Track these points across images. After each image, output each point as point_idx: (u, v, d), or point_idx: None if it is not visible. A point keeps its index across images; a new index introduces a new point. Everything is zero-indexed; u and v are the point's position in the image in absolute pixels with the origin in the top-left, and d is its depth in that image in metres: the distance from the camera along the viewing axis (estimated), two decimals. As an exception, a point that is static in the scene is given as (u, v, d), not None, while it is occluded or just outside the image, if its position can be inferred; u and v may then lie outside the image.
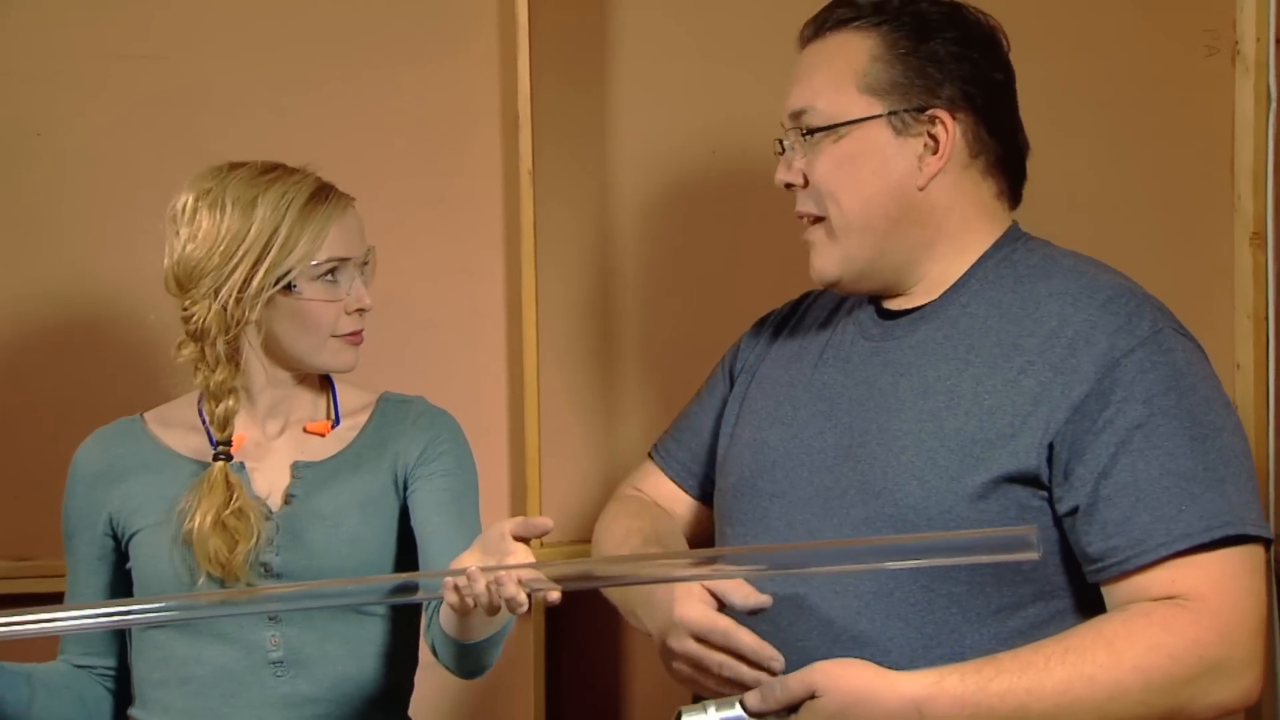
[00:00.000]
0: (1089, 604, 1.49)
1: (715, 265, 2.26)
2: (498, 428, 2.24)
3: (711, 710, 1.41)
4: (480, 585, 1.42)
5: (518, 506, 2.24)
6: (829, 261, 1.61)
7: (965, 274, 1.60)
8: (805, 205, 1.62)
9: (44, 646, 1.75)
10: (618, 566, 1.60)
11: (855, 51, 1.58)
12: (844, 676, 1.38)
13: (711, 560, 1.53)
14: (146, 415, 1.80)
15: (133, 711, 1.73)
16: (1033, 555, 1.30)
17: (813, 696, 1.38)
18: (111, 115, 2.17)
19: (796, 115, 1.60)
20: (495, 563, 1.45)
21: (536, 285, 2.18)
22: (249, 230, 1.66)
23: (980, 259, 1.60)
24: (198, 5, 2.18)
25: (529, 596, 1.43)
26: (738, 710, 1.40)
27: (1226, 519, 1.42)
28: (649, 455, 1.86)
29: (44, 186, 2.17)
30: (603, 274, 2.26)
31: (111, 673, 1.78)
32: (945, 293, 1.60)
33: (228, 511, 1.65)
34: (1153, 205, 2.30)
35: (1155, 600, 1.41)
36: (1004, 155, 1.62)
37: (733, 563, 1.52)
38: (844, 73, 1.58)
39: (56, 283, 2.18)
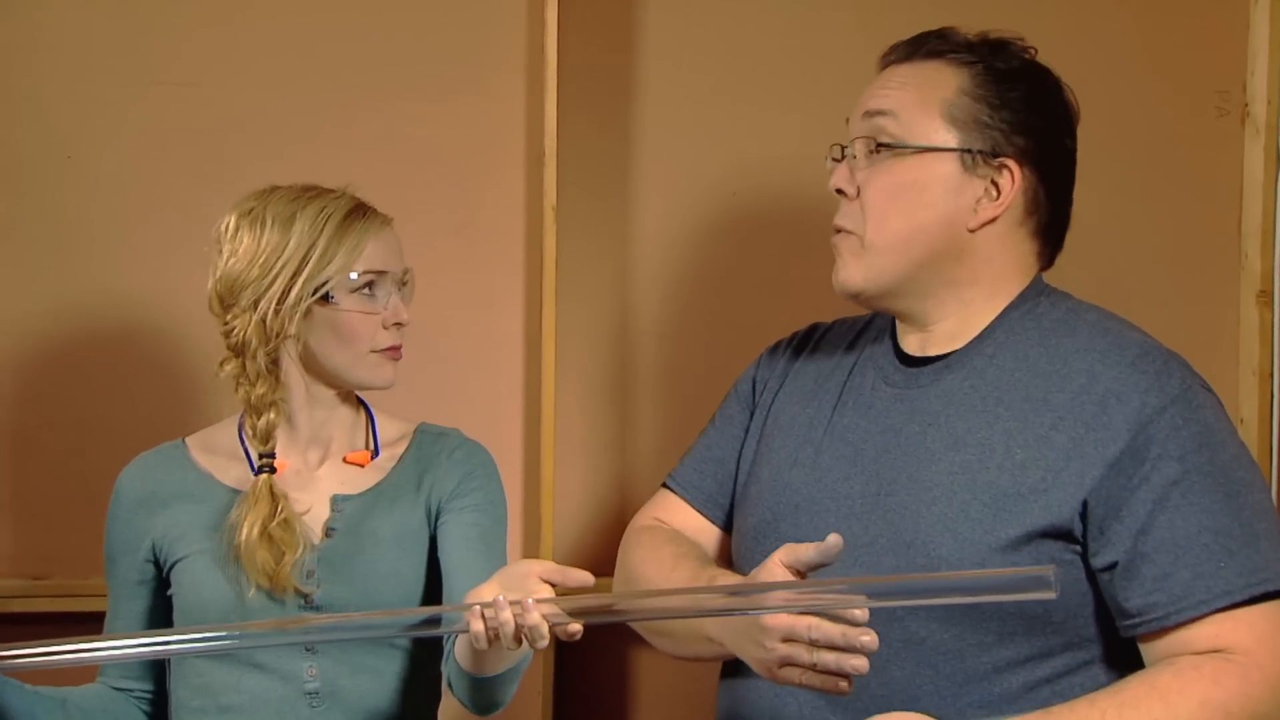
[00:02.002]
0: (1117, 655, 1.51)
1: (733, 304, 2.28)
2: (513, 460, 2.26)
3: None
4: (506, 613, 1.42)
5: (531, 538, 2.25)
6: (854, 273, 1.61)
7: (990, 325, 1.61)
8: (846, 220, 1.62)
9: (83, 670, 1.75)
10: (640, 601, 1.60)
11: (945, 81, 1.59)
12: None
13: (735, 594, 1.52)
14: (189, 440, 1.81)
15: None
16: (1049, 594, 1.31)
17: None
18: (142, 141, 2.19)
19: (873, 114, 1.59)
20: (516, 598, 1.45)
21: (556, 320, 2.20)
22: (287, 244, 1.69)
23: (1005, 310, 1.62)
24: (231, 35, 2.20)
25: (550, 630, 1.43)
26: None
27: (1265, 575, 1.44)
28: (665, 487, 1.84)
29: (73, 209, 2.18)
30: (622, 310, 2.29)
31: (149, 696, 1.79)
32: (970, 342, 1.61)
33: (274, 523, 1.67)
34: (1161, 262, 2.34)
35: (1201, 654, 1.43)
36: (1054, 223, 1.64)
37: (755, 597, 1.50)
38: (931, 96, 1.58)
39: (80, 305, 2.19)
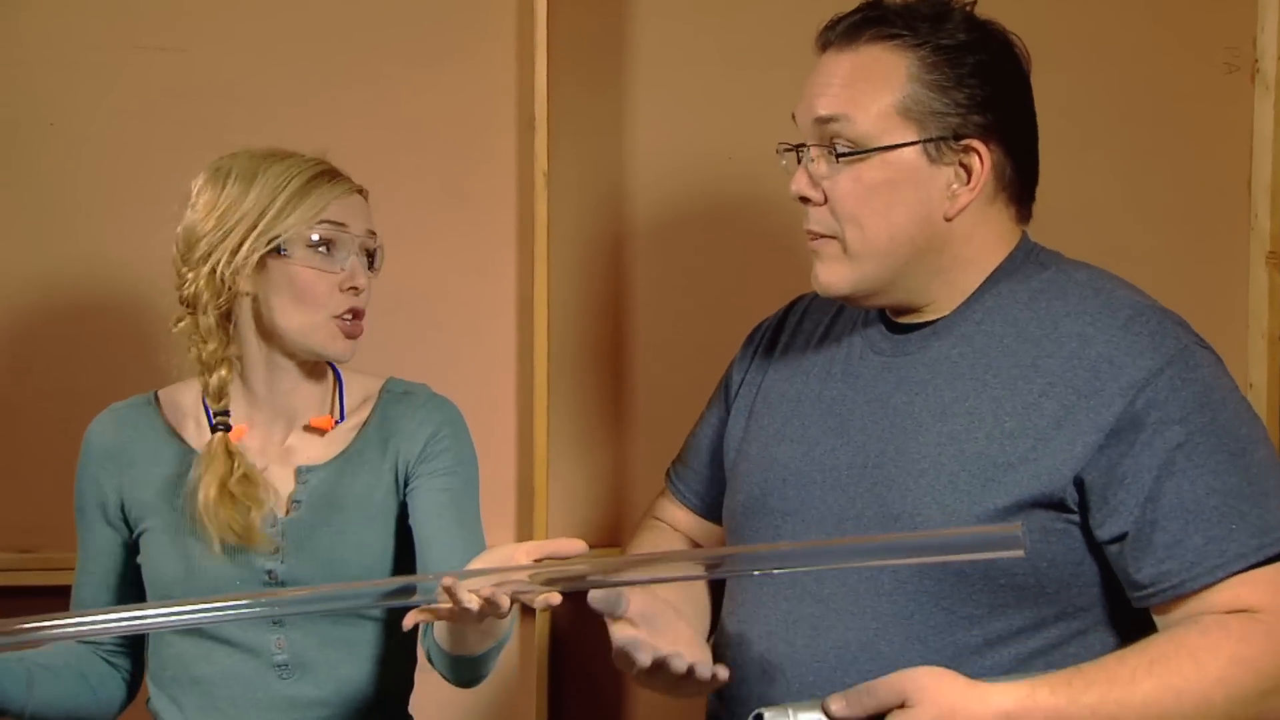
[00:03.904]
0: (1110, 623, 1.48)
1: (728, 269, 2.25)
2: (507, 428, 2.24)
3: (791, 713, 1.36)
4: (462, 592, 1.40)
5: (524, 507, 2.23)
6: (839, 278, 1.55)
7: (978, 289, 1.57)
8: (818, 224, 1.55)
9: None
10: (616, 570, 1.57)
11: (893, 70, 1.51)
12: (936, 687, 1.35)
13: (706, 559, 1.52)
14: (161, 395, 1.78)
15: (151, 704, 1.74)
16: (1018, 552, 1.29)
17: (902, 705, 1.35)
18: (126, 107, 2.16)
19: (824, 121, 1.52)
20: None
21: (549, 286, 2.17)
22: (247, 198, 1.66)
23: (993, 274, 1.57)
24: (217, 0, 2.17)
25: (511, 601, 1.41)
26: (818, 715, 1.36)
27: (1278, 534, 1.41)
28: (665, 477, 1.85)
29: (56, 177, 2.16)
30: (615, 276, 2.25)
31: (121, 650, 1.78)
32: (958, 308, 1.57)
33: (233, 480, 1.64)
34: (1169, 222, 2.30)
35: (1225, 613, 1.40)
36: (1026, 184, 1.59)
37: (714, 562, 1.51)
38: (882, 91, 1.51)
39: (65, 273, 2.17)
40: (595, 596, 1.46)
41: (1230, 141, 2.28)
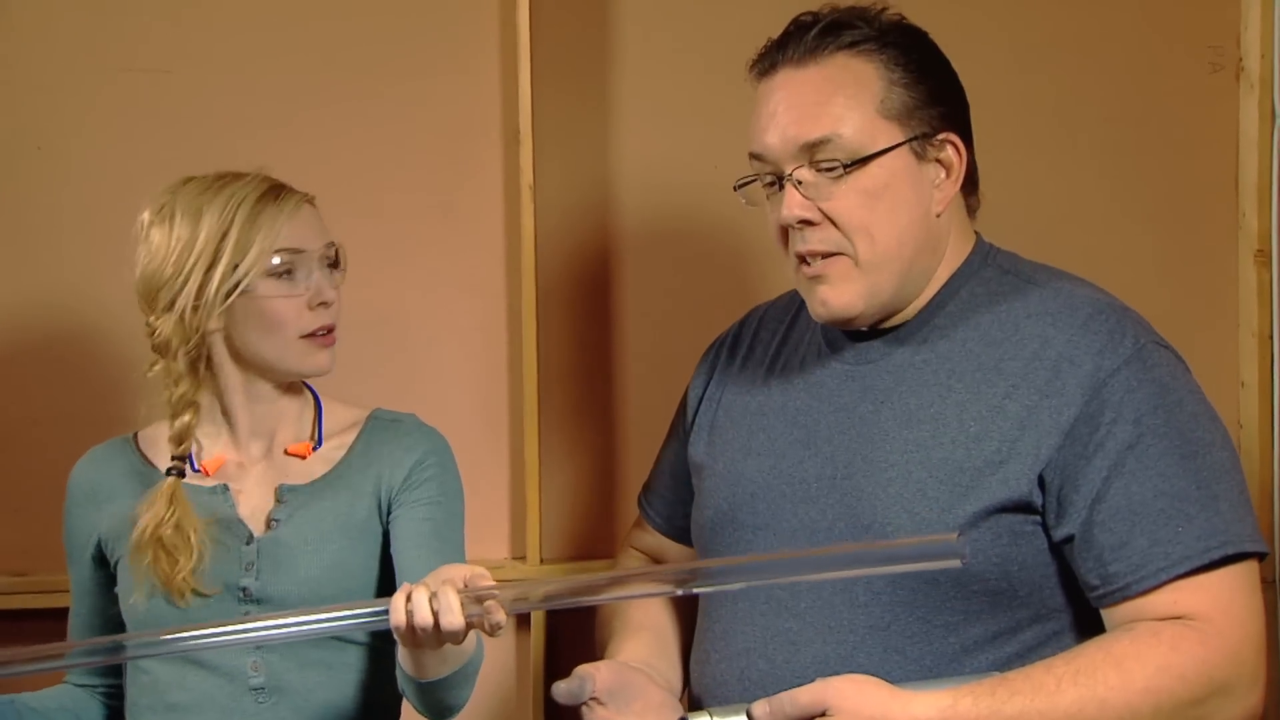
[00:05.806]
0: (1085, 623, 1.48)
1: (717, 281, 2.24)
2: (498, 443, 2.23)
3: (715, 718, 1.39)
4: (420, 594, 1.40)
5: (517, 521, 2.22)
6: (852, 296, 1.53)
7: (939, 294, 1.57)
8: (822, 243, 1.52)
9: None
10: (587, 590, 1.58)
11: (863, 78, 1.51)
12: (858, 696, 1.35)
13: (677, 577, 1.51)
14: (140, 435, 1.79)
15: None
16: (956, 563, 1.29)
17: (824, 714, 1.35)
18: (113, 128, 2.16)
19: (813, 145, 1.50)
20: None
21: (537, 299, 2.16)
22: (198, 237, 1.64)
23: (952, 278, 1.58)
24: (201, 19, 2.17)
25: (468, 622, 1.40)
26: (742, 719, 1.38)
27: (1224, 538, 1.41)
28: (637, 504, 1.86)
29: (44, 199, 2.16)
30: (603, 287, 2.25)
31: (113, 690, 1.78)
32: (920, 313, 1.57)
33: (166, 529, 1.63)
34: (1157, 221, 2.29)
35: (1160, 620, 1.40)
36: (973, 175, 1.59)
37: (665, 578, 1.52)
38: (863, 98, 1.51)
39: (54, 296, 2.17)
40: (558, 690, 1.49)
41: (1216, 140, 2.28)
